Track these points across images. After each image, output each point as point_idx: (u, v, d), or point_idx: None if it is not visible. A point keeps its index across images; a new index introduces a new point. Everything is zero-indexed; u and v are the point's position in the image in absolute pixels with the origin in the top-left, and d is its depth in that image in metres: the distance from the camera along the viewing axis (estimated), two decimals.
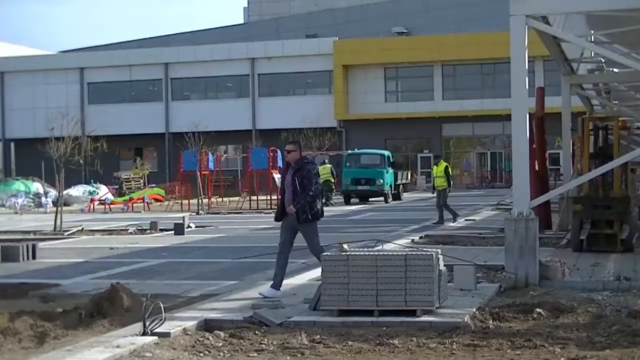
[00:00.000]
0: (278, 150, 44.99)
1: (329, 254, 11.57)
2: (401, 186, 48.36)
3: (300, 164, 13.27)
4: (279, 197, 13.98)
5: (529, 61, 14.43)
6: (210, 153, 44.91)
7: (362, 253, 11.51)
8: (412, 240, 21.30)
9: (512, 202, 15.30)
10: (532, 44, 14.86)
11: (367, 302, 11.02)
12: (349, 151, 51.41)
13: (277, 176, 42.51)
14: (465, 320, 10.72)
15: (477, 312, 11.25)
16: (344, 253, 11.25)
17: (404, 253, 11.39)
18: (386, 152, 47.52)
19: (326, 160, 46.78)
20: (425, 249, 12.59)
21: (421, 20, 75.26)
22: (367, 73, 68.75)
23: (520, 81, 14.19)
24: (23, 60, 75.43)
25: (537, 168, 21.95)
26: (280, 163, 44.40)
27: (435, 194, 29.54)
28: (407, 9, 77.48)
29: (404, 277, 10.95)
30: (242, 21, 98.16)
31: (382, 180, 43.76)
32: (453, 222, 27.85)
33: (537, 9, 14.72)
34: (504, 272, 13.98)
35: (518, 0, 14.09)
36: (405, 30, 74.32)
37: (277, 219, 13.79)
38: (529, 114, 15.06)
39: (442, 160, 30.42)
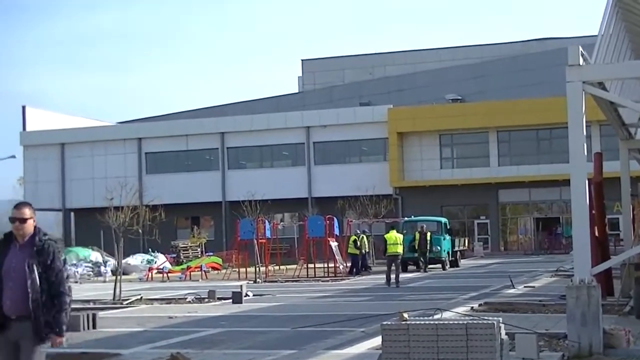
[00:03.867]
0: (334, 218, 45.11)
1: (389, 323, 11.50)
2: (458, 253, 48.15)
3: (43, 241, 8.36)
4: None
5: (585, 126, 14.37)
6: (266, 221, 45.09)
7: (422, 322, 11.44)
8: (472, 307, 21.12)
9: (572, 269, 15.15)
10: (589, 109, 14.82)
11: None
12: (406, 218, 51.31)
13: (333, 244, 42.58)
14: None
15: None
16: (404, 322, 11.19)
17: (465, 322, 11.29)
18: (443, 219, 47.39)
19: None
20: (485, 318, 12.46)
21: (474, 87, 75.50)
22: (422, 140, 68.79)
23: (578, 147, 14.12)
24: (82, 132, 76.76)
25: (597, 234, 21.71)
26: (337, 231, 44.45)
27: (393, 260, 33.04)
28: (459, 76, 77.85)
29: (465, 347, 10.85)
30: (296, 90, 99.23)
31: (439, 247, 43.57)
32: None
33: (594, 75, 14.71)
34: (567, 341, 13.77)
35: (574, 68, 14.09)
36: (459, 97, 74.49)
37: None
38: (588, 179, 14.97)
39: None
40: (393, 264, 32.84)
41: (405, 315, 11.40)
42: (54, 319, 8.18)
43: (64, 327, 8.24)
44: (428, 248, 42.24)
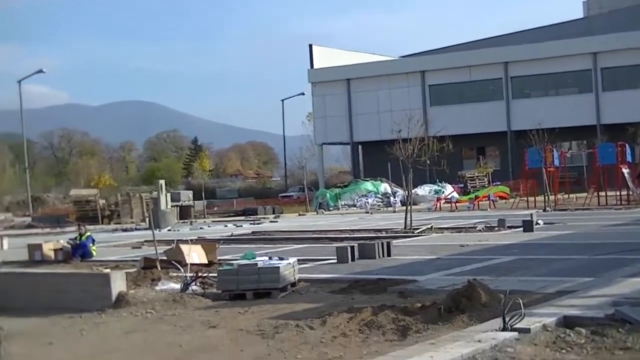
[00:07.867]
0: (626, 145, 43.57)
1: None
2: None
3: None
4: None
5: None
6: (554, 149, 44.30)
7: None
8: None
9: None
10: None
11: None
12: None
13: (626, 171, 41.20)
14: None
15: None
16: None
17: None
18: None
19: None
20: None
21: None
22: None
23: None
24: (367, 67, 78.16)
25: None
26: (629, 157, 42.94)
27: None
28: None
29: None
30: (581, 16, 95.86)
31: None
32: None
33: None
34: None
35: None
36: None
37: None
38: None
39: None
40: None
41: None
42: None
43: None
44: None
